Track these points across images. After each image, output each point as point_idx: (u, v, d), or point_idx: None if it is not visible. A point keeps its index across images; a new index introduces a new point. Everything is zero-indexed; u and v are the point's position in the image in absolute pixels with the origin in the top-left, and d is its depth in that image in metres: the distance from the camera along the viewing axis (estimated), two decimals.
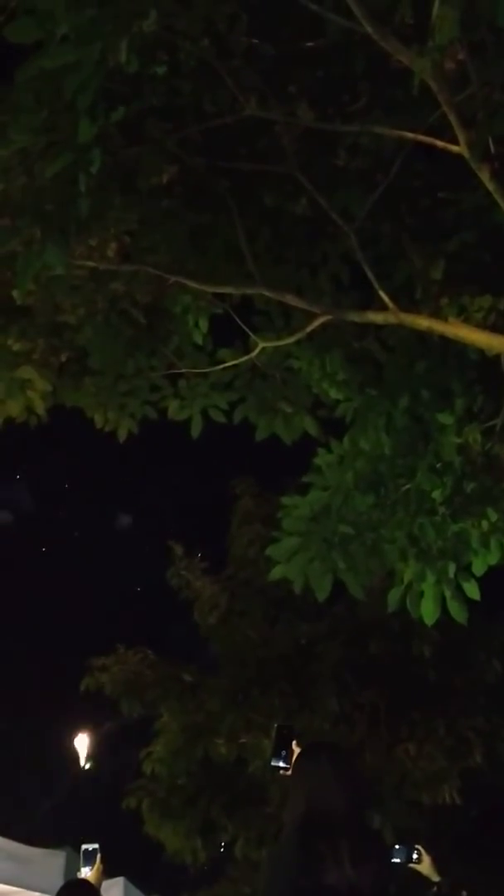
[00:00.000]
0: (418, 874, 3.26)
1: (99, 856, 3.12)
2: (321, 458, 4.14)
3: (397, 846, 3.20)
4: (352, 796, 2.26)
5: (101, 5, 2.70)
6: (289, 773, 2.50)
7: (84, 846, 3.15)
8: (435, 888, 3.27)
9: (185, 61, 3.39)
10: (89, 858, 3.12)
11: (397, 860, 3.15)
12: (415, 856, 3.25)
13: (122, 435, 4.66)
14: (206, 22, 3.28)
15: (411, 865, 3.26)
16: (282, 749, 2.58)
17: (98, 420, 4.64)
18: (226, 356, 4.40)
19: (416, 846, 3.27)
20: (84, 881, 3.15)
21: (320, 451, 4.18)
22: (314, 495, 4.08)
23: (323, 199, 3.69)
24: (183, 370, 4.50)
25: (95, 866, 3.12)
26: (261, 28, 3.47)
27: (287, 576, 4.05)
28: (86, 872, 3.15)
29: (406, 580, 3.90)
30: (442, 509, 3.84)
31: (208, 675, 8.66)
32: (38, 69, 2.87)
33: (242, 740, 8.03)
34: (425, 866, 3.25)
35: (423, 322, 3.79)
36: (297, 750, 2.53)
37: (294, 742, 2.58)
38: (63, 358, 4.58)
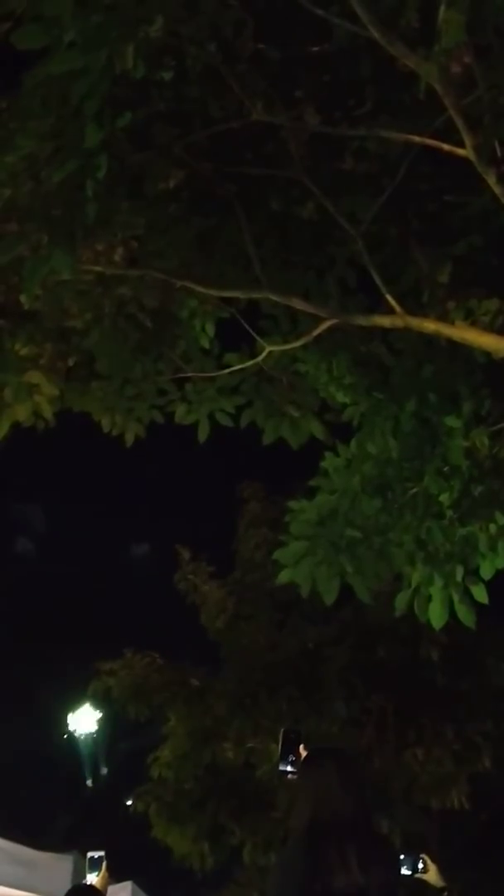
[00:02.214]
0: (425, 884, 3.23)
1: (105, 863, 3.14)
2: (328, 462, 4.13)
3: (402, 856, 3.16)
4: (358, 801, 2.26)
5: (108, 11, 2.70)
6: (296, 777, 2.50)
7: (90, 854, 3.18)
8: (445, 894, 3.25)
9: (191, 66, 3.39)
10: (95, 866, 3.15)
11: (403, 870, 3.11)
12: (420, 865, 3.22)
13: (129, 439, 4.66)
14: (213, 27, 3.28)
15: (418, 876, 3.23)
16: (289, 754, 2.58)
17: (105, 424, 4.65)
18: (232, 360, 4.40)
19: (422, 855, 3.24)
20: (90, 886, 3.17)
21: (327, 454, 4.17)
22: (321, 499, 4.08)
23: (329, 203, 3.69)
24: (190, 374, 4.50)
25: (101, 873, 3.14)
26: (267, 33, 3.48)
27: (294, 580, 4.05)
28: (92, 879, 3.16)
29: (414, 584, 3.89)
30: (449, 513, 3.84)
31: (215, 679, 8.66)
32: (45, 75, 2.88)
33: (250, 744, 8.03)
34: (432, 875, 3.22)
35: (429, 325, 3.78)
36: (304, 754, 2.52)
37: (301, 746, 2.57)
38: (70, 362, 4.59)
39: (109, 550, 18.39)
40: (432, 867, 3.22)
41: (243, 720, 7.97)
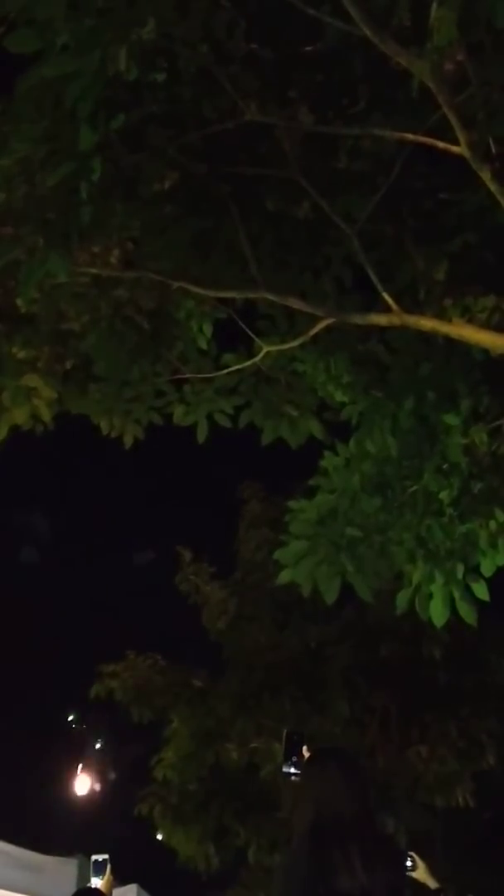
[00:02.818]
0: (415, 882, 3.20)
1: (109, 866, 3.14)
2: (327, 461, 4.13)
3: None
4: (361, 801, 2.25)
5: (100, 14, 2.71)
6: (299, 778, 2.49)
7: (94, 857, 3.18)
8: (442, 895, 3.22)
9: (184, 68, 3.40)
10: (99, 869, 3.15)
11: None
12: (409, 863, 3.19)
13: (128, 441, 4.66)
14: (205, 28, 3.28)
15: (407, 874, 3.20)
16: (292, 755, 2.57)
17: (104, 426, 4.64)
18: (230, 361, 4.40)
19: (410, 853, 3.22)
20: (95, 890, 3.17)
21: (326, 454, 4.17)
22: (321, 498, 4.07)
23: (325, 202, 3.69)
24: (188, 375, 4.50)
25: (105, 877, 3.14)
26: (259, 33, 3.48)
27: (295, 579, 4.05)
28: (96, 882, 3.17)
29: (415, 582, 3.88)
30: (449, 510, 3.83)
31: (218, 680, 8.65)
32: (38, 79, 2.89)
33: (253, 745, 8.02)
34: (420, 873, 3.20)
35: (426, 323, 3.78)
36: (307, 755, 2.52)
37: (304, 748, 2.57)
38: (68, 365, 4.59)
39: (109, 553, 18.39)
40: (421, 865, 3.20)
41: (246, 721, 7.96)
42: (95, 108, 2.76)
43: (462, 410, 3.89)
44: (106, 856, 3.16)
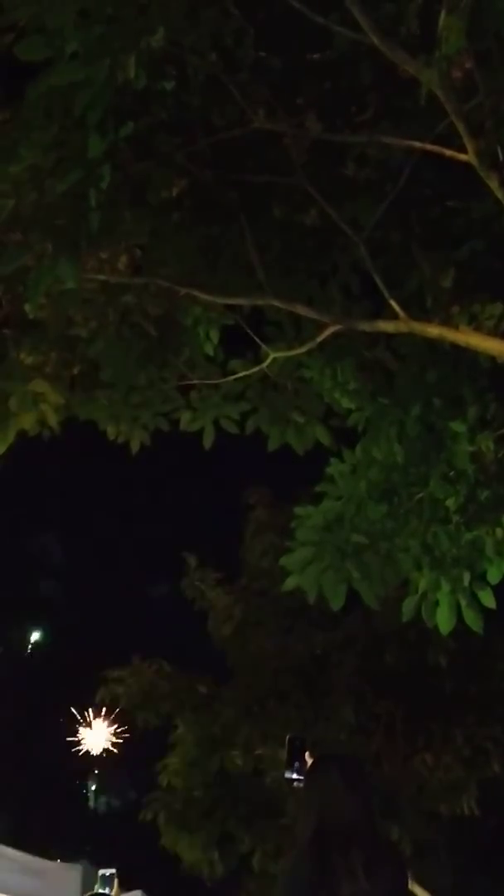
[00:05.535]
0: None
1: (116, 880, 3.17)
2: (334, 468, 4.14)
3: None
4: (364, 806, 2.25)
5: (110, 22, 2.73)
6: (302, 784, 2.49)
7: (101, 871, 3.21)
8: None
9: (193, 76, 3.42)
10: (107, 882, 3.18)
11: None
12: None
13: (134, 446, 4.67)
14: (214, 36, 3.30)
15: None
16: (294, 761, 2.56)
17: (111, 432, 4.66)
18: (237, 367, 4.41)
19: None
20: (104, 895, 3.18)
21: (333, 460, 4.18)
22: (327, 505, 4.08)
23: (332, 209, 3.70)
24: (195, 381, 4.51)
25: (114, 890, 3.16)
26: (268, 41, 3.50)
27: (301, 586, 4.05)
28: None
29: (421, 589, 3.88)
30: (456, 517, 3.83)
31: (223, 686, 8.64)
32: (47, 86, 2.90)
33: (258, 752, 8.00)
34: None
35: (433, 330, 3.79)
36: (309, 761, 2.51)
37: (307, 753, 2.56)
38: (75, 371, 4.61)
39: (115, 559, 18.39)
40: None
41: (251, 727, 7.95)
42: (104, 115, 2.77)
43: (469, 417, 3.89)
44: (113, 870, 3.20)
